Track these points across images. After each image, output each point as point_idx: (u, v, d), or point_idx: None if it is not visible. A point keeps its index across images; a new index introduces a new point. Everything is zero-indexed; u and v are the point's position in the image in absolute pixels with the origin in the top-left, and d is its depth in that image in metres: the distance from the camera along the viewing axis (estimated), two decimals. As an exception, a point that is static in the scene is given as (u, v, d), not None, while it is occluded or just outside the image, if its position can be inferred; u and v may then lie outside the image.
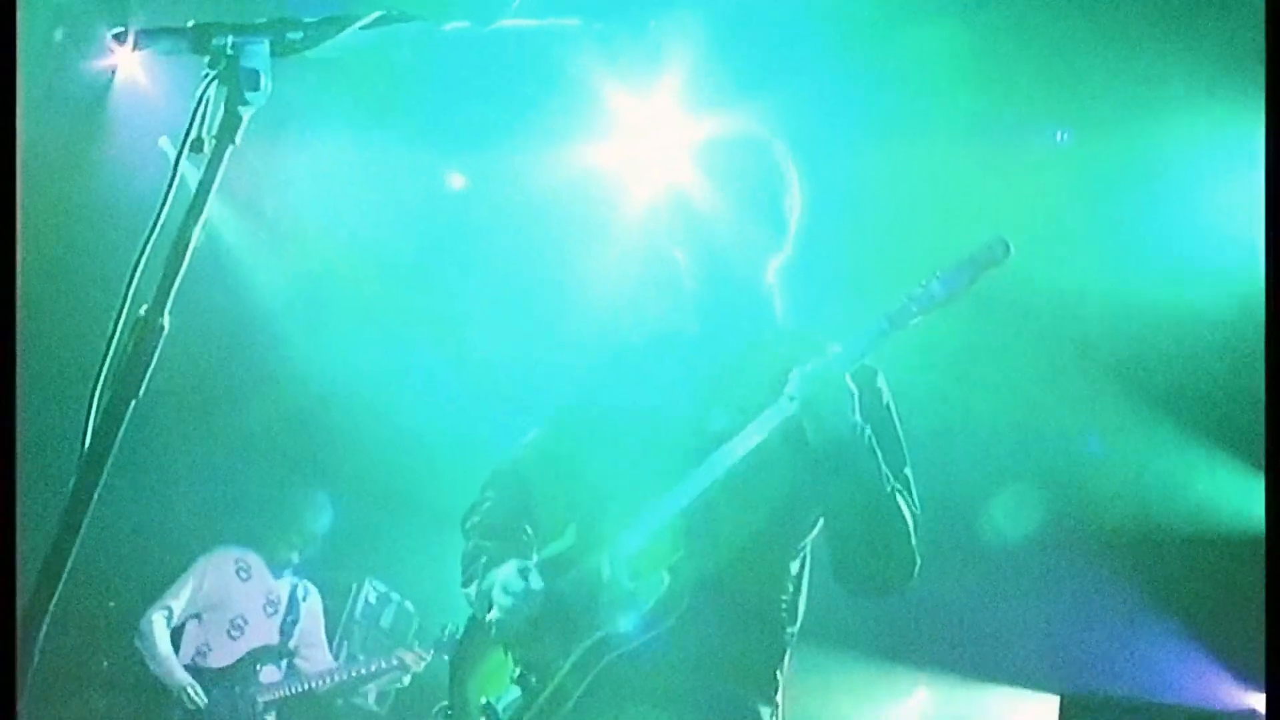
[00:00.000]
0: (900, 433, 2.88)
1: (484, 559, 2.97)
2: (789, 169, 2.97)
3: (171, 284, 1.56)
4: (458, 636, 3.13)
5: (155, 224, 1.56)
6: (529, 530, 3.05)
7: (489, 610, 2.85)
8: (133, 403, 1.54)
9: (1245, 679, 6.34)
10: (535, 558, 2.94)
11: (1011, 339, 6.60)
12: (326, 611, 6.65)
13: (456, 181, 7.22)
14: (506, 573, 2.85)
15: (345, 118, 6.48)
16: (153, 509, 6.85)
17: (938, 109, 5.90)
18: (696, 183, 2.92)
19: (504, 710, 2.82)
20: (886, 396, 2.89)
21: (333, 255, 7.38)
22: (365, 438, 7.50)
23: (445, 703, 3.02)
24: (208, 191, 1.58)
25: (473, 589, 2.96)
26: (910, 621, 6.94)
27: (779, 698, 2.81)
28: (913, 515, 2.74)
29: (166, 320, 1.56)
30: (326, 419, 7.50)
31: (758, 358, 2.85)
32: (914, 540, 2.72)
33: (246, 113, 1.60)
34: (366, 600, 7.09)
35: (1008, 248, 2.63)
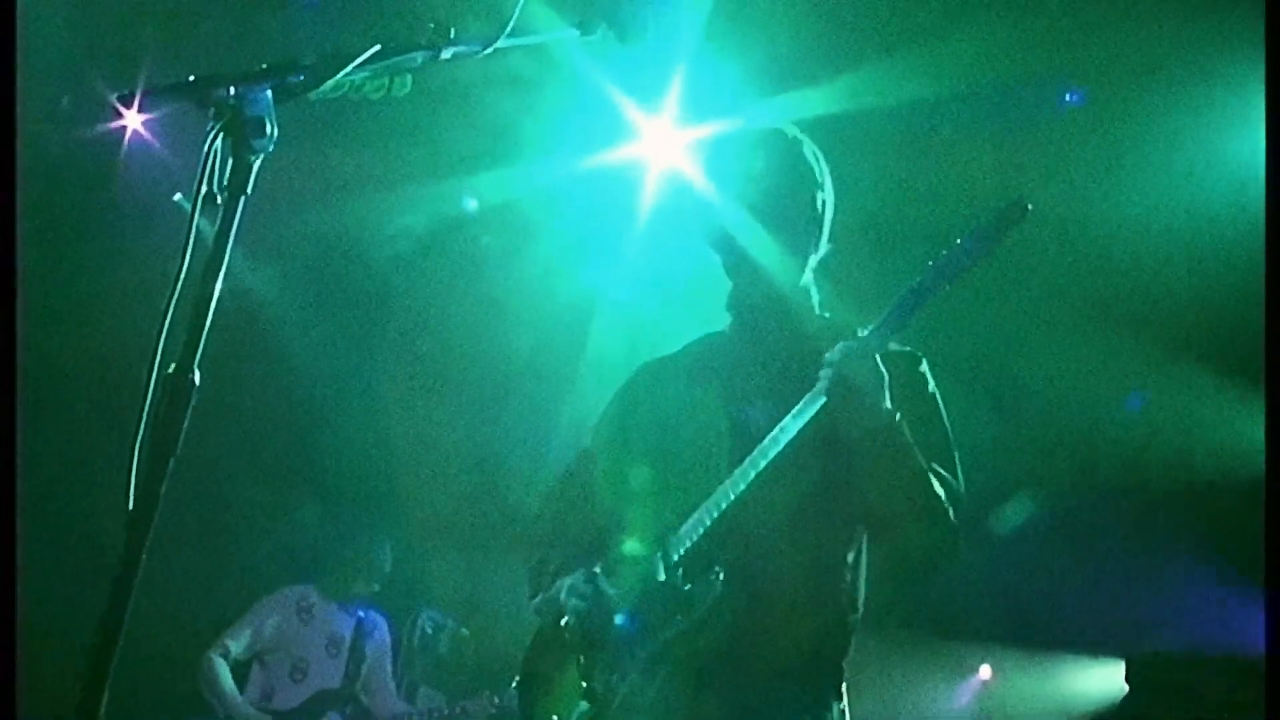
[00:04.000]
0: (946, 420, 2.84)
1: (551, 568, 2.98)
2: (820, 164, 2.95)
3: (198, 340, 1.57)
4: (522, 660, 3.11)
5: (178, 280, 1.57)
6: (589, 538, 3.03)
7: (561, 618, 2.85)
8: (171, 460, 1.54)
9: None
10: (599, 567, 2.92)
11: (1042, 303, 6.58)
12: (395, 645, 6.62)
13: (472, 203, 7.23)
14: (575, 578, 2.86)
15: (349, 136, 6.48)
16: (211, 555, 6.90)
17: (950, 76, 5.91)
18: (729, 181, 2.89)
19: None
20: (931, 385, 2.86)
21: (362, 285, 7.42)
22: (409, 468, 7.53)
23: None
24: (225, 244, 1.59)
25: (540, 599, 2.97)
26: (968, 598, 6.91)
27: (845, 688, 2.80)
28: (953, 494, 2.70)
29: (196, 375, 1.57)
30: (372, 451, 7.54)
31: (798, 352, 2.82)
32: (954, 518, 2.68)
33: (255, 161, 1.60)
34: (423, 630, 7.09)
35: (1025, 208, 2.60)
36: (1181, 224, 6.14)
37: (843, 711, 2.79)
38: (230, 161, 1.59)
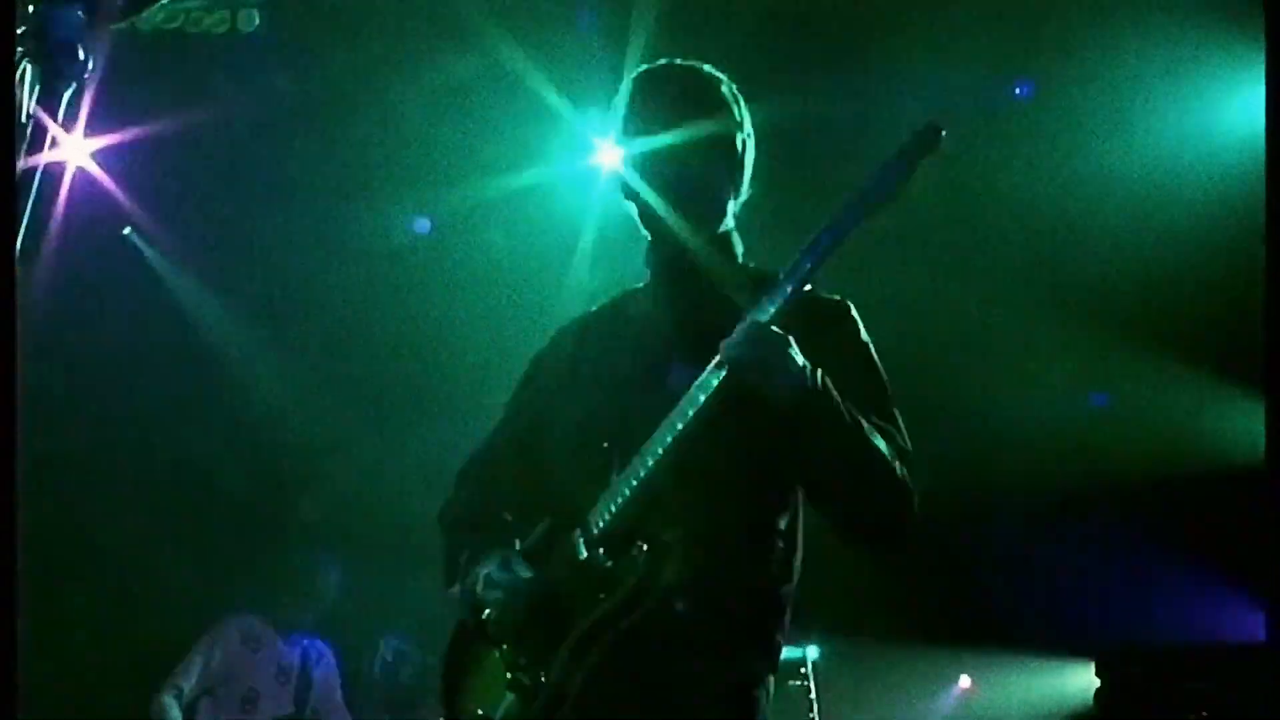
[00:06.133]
0: (882, 372, 2.67)
1: (465, 556, 2.80)
2: (739, 104, 2.78)
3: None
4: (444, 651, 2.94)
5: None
6: (507, 516, 2.86)
7: (482, 612, 2.69)
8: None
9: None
10: (518, 545, 2.76)
11: (1002, 299, 6.52)
12: (345, 673, 6.45)
13: (425, 222, 7.19)
14: (490, 568, 2.70)
15: (315, 143, 6.36)
16: (155, 583, 6.73)
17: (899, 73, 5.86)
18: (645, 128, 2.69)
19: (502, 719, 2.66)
20: (862, 334, 2.69)
21: (316, 307, 7.32)
22: (363, 493, 7.39)
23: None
24: (32, 180, 1.44)
25: (456, 589, 2.79)
26: (945, 608, 6.82)
27: (807, 667, 2.64)
28: (897, 449, 2.53)
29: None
30: (322, 476, 7.41)
31: (719, 306, 2.65)
32: (901, 474, 2.51)
33: (66, 90, 1.45)
34: (384, 659, 6.90)
35: (939, 133, 2.47)
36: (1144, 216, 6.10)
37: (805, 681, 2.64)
38: (37, 90, 1.44)
